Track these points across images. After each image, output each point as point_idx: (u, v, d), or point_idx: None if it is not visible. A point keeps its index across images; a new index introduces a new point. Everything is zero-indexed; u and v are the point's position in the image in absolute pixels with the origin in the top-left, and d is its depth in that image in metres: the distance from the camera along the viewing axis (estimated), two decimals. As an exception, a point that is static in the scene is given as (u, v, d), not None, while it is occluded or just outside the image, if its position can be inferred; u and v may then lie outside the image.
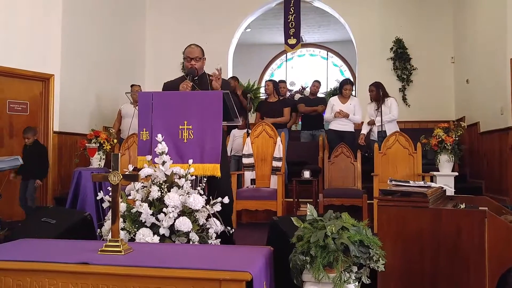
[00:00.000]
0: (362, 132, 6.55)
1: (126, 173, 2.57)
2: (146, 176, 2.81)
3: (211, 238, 2.74)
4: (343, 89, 6.65)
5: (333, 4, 9.00)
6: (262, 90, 12.42)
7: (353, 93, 7.23)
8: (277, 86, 7.31)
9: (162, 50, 9.20)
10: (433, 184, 3.11)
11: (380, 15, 8.68)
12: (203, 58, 3.70)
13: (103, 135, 6.00)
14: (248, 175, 6.17)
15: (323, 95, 10.97)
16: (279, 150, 6.09)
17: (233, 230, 2.95)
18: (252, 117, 7.85)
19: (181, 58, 9.17)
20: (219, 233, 2.83)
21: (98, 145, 5.83)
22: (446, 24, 8.39)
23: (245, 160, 6.17)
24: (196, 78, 3.64)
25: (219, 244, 2.77)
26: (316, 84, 8.38)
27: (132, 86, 7.15)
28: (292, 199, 6.12)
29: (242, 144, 6.50)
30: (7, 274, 2.00)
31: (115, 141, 6.13)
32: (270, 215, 5.59)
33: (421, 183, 3.05)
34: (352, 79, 8.86)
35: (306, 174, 6.05)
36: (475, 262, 2.42)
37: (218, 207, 2.79)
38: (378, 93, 6.40)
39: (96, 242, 2.58)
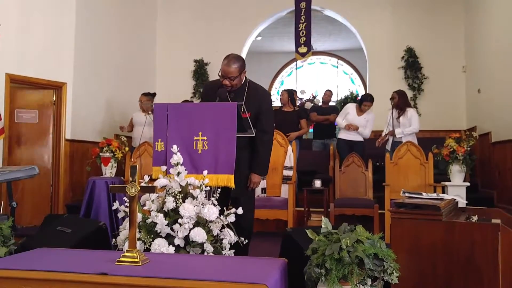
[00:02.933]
0: (384, 134, 6.47)
1: (143, 184, 2.60)
2: (161, 187, 2.84)
3: (225, 248, 2.76)
4: (363, 105, 6.64)
5: (344, 13, 9.04)
6: (272, 98, 12.47)
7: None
8: (292, 95, 7.27)
9: (173, 59, 9.28)
10: (446, 196, 3.11)
11: (391, 24, 8.70)
12: (239, 75, 3.30)
13: (115, 143, 6.05)
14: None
15: (334, 104, 10.99)
16: (290, 159, 6.11)
17: (246, 241, 2.96)
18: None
19: (192, 66, 9.32)
20: (232, 244, 2.85)
21: (111, 154, 5.88)
22: (458, 33, 8.39)
23: (255, 169, 6.19)
24: (232, 92, 3.36)
25: (233, 255, 2.80)
26: (328, 93, 8.41)
27: (142, 95, 7.21)
28: (303, 209, 6.13)
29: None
30: (26, 283, 2.03)
31: (127, 149, 6.18)
32: (280, 225, 5.61)
33: (434, 195, 3.05)
34: (363, 88, 8.87)
35: (317, 183, 6.07)
36: (488, 276, 2.42)
37: (232, 218, 2.82)
38: (400, 101, 6.36)
39: (112, 252, 2.61)
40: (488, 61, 7.12)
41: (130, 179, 2.26)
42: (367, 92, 8.68)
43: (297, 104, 9.41)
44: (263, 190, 6.16)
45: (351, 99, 11.86)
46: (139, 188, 2.25)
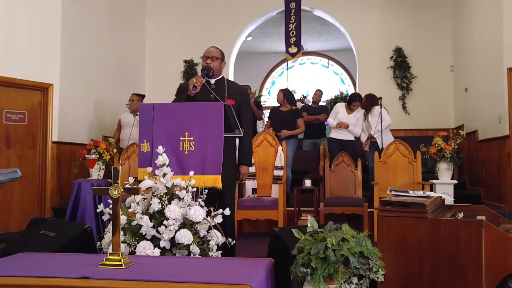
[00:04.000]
0: (363, 139, 6.63)
1: (127, 186, 2.58)
2: (146, 188, 2.82)
3: (212, 250, 2.75)
4: (352, 105, 6.72)
5: (334, 13, 9.06)
6: (263, 98, 12.50)
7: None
8: (288, 95, 7.23)
9: (163, 59, 9.25)
10: (432, 194, 3.13)
11: (380, 24, 8.73)
12: (221, 59, 3.58)
13: (103, 145, 6.00)
14: (250, 184, 6.19)
15: (324, 103, 11.01)
16: (281, 159, 6.11)
17: (234, 241, 2.95)
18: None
19: (182, 66, 9.29)
20: (220, 245, 2.84)
21: (97, 156, 5.84)
22: (445, 33, 8.44)
23: (246, 169, 6.18)
24: (213, 84, 3.53)
25: (220, 256, 2.78)
26: (318, 93, 8.43)
27: (133, 94, 7.19)
28: (293, 208, 6.13)
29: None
30: (7, 289, 2.01)
31: (115, 151, 6.14)
32: (271, 225, 5.61)
33: (420, 193, 3.07)
34: (353, 87, 8.91)
35: (307, 183, 6.08)
36: (472, 272, 2.44)
37: (219, 219, 2.81)
38: (366, 102, 6.64)
39: (96, 255, 2.59)
40: (474, 60, 7.18)
41: (113, 181, 2.24)
42: (357, 92, 8.72)
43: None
44: (254, 190, 6.16)
45: (341, 99, 11.89)
46: (122, 190, 2.23)
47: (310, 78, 14.29)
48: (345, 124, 6.62)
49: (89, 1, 7.35)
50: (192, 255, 2.65)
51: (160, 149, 2.85)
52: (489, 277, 2.42)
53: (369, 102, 6.64)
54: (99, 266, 2.16)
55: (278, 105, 7.20)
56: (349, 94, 8.37)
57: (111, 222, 2.45)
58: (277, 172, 6.12)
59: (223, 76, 3.64)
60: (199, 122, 3.06)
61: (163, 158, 2.82)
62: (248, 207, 5.71)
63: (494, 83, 6.21)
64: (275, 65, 14.44)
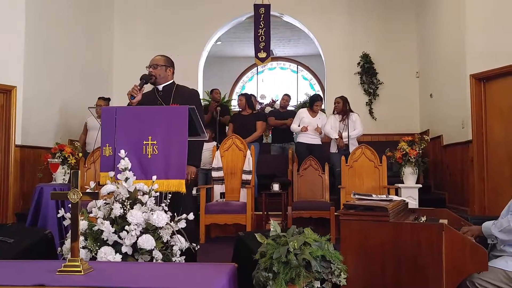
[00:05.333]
0: (334, 137, 6.60)
1: (88, 190, 2.52)
2: (108, 193, 2.76)
3: (176, 255, 2.71)
4: (314, 105, 6.81)
5: (302, 19, 9.15)
6: (233, 102, 12.50)
7: (322, 106, 7.36)
8: (249, 100, 7.38)
9: (131, 62, 9.09)
10: (395, 198, 3.17)
11: (347, 31, 8.86)
12: (166, 66, 3.70)
13: (68, 149, 5.89)
14: (218, 188, 6.16)
15: (293, 108, 11.07)
16: (249, 163, 6.11)
17: (198, 247, 2.92)
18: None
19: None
20: (184, 250, 2.80)
21: (61, 160, 5.71)
22: (411, 40, 8.63)
23: (214, 174, 6.17)
24: (161, 91, 3.68)
25: (183, 261, 2.75)
26: (286, 97, 8.48)
27: (99, 99, 7.08)
28: (261, 212, 6.13)
29: (209, 157, 6.49)
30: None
31: (80, 155, 6.02)
32: (239, 229, 5.58)
33: (383, 196, 3.11)
34: (321, 94, 9.00)
35: (275, 187, 6.10)
36: (433, 274, 2.48)
37: (183, 224, 2.77)
38: (344, 107, 6.59)
39: (55, 262, 2.52)
40: (439, 66, 7.35)
41: (72, 185, 2.19)
42: (325, 96, 8.82)
43: (258, 108, 9.47)
44: (222, 194, 6.14)
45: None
46: (81, 195, 2.18)
47: (279, 83, 14.36)
48: (320, 130, 6.70)
49: (54, 1, 7.18)
50: (154, 260, 2.61)
51: (122, 153, 2.80)
52: (449, 280, 2.46)
53: (348, 107, 6.68)
54: (57, 273, 2.09)
55: (240, 110, 7.32)
56: (309, 97, 8.43)
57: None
58: (245, 176, 6.11)
59: (173, 82, 3.77)
60: (163, 125, 3.02)
61: (125, 162, 2.77)
62: (216, 211, 5.69)
63: (458, 89, 6.37)
64: (245, 69, 14.47)
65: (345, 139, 6.42)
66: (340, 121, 6.58)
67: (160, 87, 3.70)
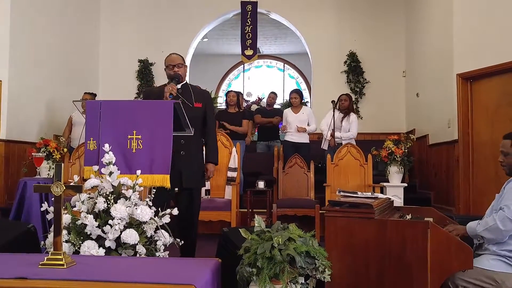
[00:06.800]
0: (327, 136, 6.56)
1: (71, 184, 2.49)
2: (92, 187, 2.73)
3: (159, 250, 2.68)
4: (290, 98, 6.83)
5: (290, 17, 9.15)
6: (219, 100, 12.46)
7: (308, 104, 7.36)
8: (238, 98, 7.37)
9: (117, 58, 9.06)
10: (380, 195, 3.19)
11: (335, 29, 8.88)
12: (184, 65, 3.74)
13: (53, 143, 5.85)
14: (203, 185, 6.13)
15: (279, 107, 11.08)
16: (234, 160, 6.08)
17: (182, 242, 2.90)
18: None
19: (137, 66, 9.12)
20: (167, 245, 2.78)
21: (45, 154, 5.65)
22: (398, 39, 8.68)
23: (199, 171, 6.12)
24: (180, 89, 3.64)
25: (167, 256, 2.73)
26: (272, 95, 8.46)
27: (85, 94, 7.02)
28: (246, 210, 6.12)
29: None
30: None
31: (65, 150, 5.96)
32: (224, 226, 5.56)
33: (369, 194, 3.12)
34: (308, 92, 9.01)
35: (261, 184, 6.09)
36: (418, 271, 2.49)
37: (167, 219, 2.75)
38: (349, 105, 6.58)
39: (37, 255, 2.48)
40: (426, 66, 7.40)
41: (55, 178, 2.16)
42: (312, 95, 8.84)
43: (243, 106, 9.45)
44: (207, 191, 6.11)
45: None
46: (64, 188, 2.15)
47: (266, 81, 14.35)
48: (303, 129, 6.67)
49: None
50: (138, 255, 2.58)
51: (107, 147, 2.76)
52: (433, 277, 2.48)
53: (352, 106, 6.70)
54: (39, 266, 2.07)
55: (225, 107, 7.30)
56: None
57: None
58: (230, 174, 6.08)
59: (187, 82, 3.81)
60: (148, 120, 2.99)
61: (109, 156, 2.73)
62: (201, 208, 5.64)
63: (445, 88, 6.41)
64: (232, 67, 14.43)
65: (338, 139, 6.40)
66: (342, 118, 6.51)
67: (179, 86, 3.66)
